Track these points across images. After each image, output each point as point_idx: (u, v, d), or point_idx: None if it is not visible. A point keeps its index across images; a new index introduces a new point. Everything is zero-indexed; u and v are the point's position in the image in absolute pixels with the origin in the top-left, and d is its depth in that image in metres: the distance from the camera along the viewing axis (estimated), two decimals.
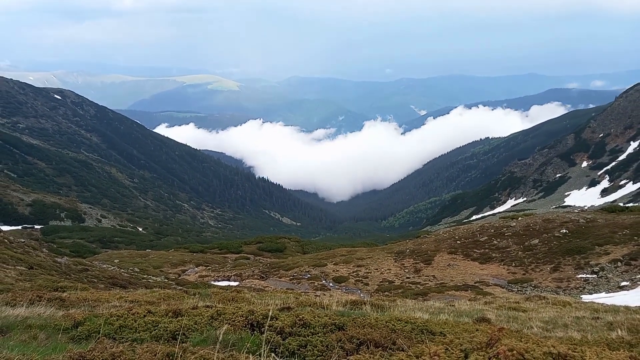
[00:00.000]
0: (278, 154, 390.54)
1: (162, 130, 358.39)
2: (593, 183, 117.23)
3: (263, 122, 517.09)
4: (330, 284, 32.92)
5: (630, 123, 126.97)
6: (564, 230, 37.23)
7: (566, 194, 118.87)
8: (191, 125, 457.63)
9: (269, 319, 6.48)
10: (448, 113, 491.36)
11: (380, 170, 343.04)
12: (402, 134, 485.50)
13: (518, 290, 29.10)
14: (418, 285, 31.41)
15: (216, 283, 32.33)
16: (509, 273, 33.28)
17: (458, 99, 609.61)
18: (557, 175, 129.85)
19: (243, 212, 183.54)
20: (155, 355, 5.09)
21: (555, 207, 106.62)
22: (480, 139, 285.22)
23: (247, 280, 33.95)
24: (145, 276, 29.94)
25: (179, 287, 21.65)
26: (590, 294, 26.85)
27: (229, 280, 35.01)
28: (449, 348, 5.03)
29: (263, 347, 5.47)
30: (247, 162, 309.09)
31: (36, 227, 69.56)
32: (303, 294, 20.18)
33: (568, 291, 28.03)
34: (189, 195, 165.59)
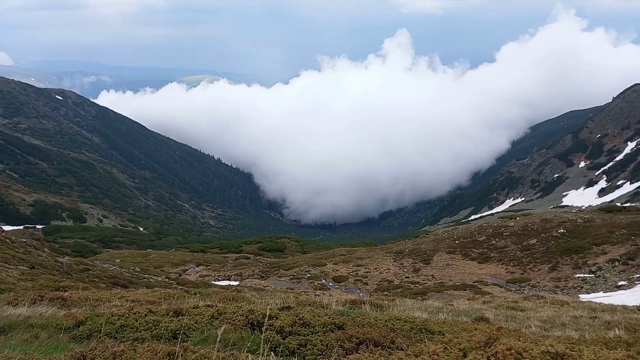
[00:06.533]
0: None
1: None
2: (590, 183, 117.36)
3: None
4: (330, 284, 32.99)
5: (627, 123, 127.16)
6: (562, 230, 37.29)
7: (564, 194, 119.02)
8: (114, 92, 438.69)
9: (268, 318, 6.53)
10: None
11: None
12: None
13: (516, 290, 29.18)
14: (417, 285, 31.47)
15: (217, 282, 32.37)
16: (507, 273, 33.36)
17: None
18: (555, 176, 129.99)
19: (243, 212, 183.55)
20: (156, 354, 5.13)
21: (553, 207, 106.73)
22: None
23: (247, 280, 34.02)
24: (146, 276, 30.01)
25: (180, 287, 21.70)
26: (588, 293, 26.93)
27: (229, 279, 35.07)
28: (448, 347, 5.07)
29: (262, 346, 5.51)
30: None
31: (38, 227, 69.65)
32: (303, 293, 20.24)
33: (566, 290, 28.11)
34: (189, 195, 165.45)
